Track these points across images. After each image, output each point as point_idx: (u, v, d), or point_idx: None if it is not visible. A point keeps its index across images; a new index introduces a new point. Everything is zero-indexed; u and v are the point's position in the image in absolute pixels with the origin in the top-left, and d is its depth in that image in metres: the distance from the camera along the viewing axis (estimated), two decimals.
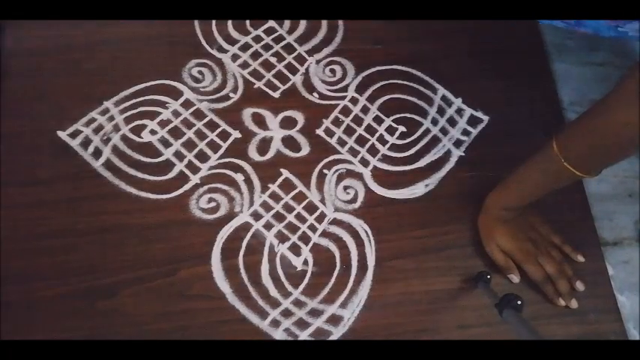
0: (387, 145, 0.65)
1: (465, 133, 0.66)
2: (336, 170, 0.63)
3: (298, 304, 0.56)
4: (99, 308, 0.55)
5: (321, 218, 0.60)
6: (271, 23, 0.70)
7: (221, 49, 0.68)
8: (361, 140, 0.65)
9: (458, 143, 0.65)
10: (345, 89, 0.67)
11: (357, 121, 0.66)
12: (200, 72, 0.66)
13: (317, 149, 0.64)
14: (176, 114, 0.64)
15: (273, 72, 0.68)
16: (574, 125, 0.48)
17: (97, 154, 0.61)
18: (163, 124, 0.63)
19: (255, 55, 0.68)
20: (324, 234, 0.60)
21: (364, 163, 0.64)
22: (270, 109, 0.65)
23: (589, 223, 0.62)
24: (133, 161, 0.61)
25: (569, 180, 0.51)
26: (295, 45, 0.69)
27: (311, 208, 0.61)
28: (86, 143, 0.61)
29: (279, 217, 0.60)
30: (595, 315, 0.58)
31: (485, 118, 0.67)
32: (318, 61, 0.69)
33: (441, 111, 0.67)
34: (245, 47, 0.69)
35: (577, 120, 0.47)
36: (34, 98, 0.63)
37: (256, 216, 0.60)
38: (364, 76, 0.68)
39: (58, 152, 0.61)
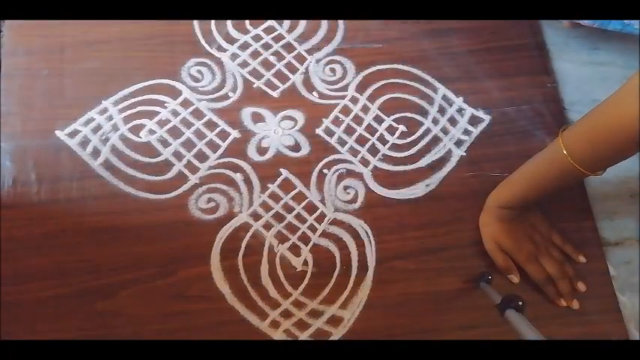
0: (388, 145, 0.65)
1: (466, 132, 0.66)
2: (336, 170, 0.63)
3: (298, 304, 0.56)
4: (98, 308, 0.55)
5: (320, 218, 0.60)
6: (271, 22, 0.70)
7: (220, 48, 0.68)
8: (361, 140, 0.65)
9: (459, 143, 0.65)
10: (345, 88, 0.67)
11: (358, 120, 0.66)
12: (199, 71, 0.66)
13: (317, 149, 0.64)
14: (175, 113, 0.64)
15: (273, 71, 0.67)
16: (581, 122, 0.48)
17: (96, 153, 0.61)
18: (162, 123, 0.63)
19: (255, 54, 0.68)
20: (324, 234, 0.59)
21: (364, 162, 0.63)
22: (270, 108, 0.65)
23: (590, 223, 0.62)
24: (131, 161, 0.61)
25: (574, 179, 0.50)
26: (295, 44, 0.69)
27: (311, 208, 0.61)
28: (85, 143, 0.61)
29: (278, 217, 0.60)
30: (596, 315, 0.57)
31: (487, 117, 0.67)
32: (318, 60, 0.68)
33: (441, 110, 0.67)
34: (244, 46, 0.68)
35: (584, 117, 0.48)
36: (34, 98, 0.63)
37: (256, 216, 0.60)
38: (364, 76, 0.68)
39: (56, 152, 0.60)
